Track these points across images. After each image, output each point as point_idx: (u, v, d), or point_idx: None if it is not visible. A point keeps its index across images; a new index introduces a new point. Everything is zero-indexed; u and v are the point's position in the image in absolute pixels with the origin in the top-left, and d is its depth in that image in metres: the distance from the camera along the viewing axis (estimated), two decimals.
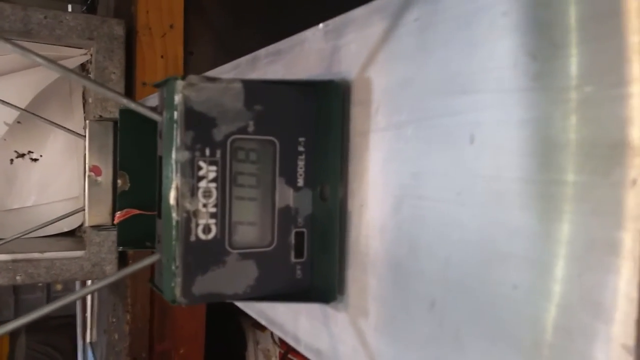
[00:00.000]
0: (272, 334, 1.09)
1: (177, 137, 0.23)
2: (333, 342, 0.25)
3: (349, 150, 0.24)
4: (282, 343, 1.07)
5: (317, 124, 0.26)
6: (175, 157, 0.23)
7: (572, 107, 0.15)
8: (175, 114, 0.23)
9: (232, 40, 0.86)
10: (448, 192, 0.18)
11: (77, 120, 0.91)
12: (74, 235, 0.90)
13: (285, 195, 0.26)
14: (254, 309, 0.33)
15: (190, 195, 0.23)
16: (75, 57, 0.84)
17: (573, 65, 0.14)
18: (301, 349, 0.27)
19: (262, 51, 0.32)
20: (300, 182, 0.26)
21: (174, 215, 0.23)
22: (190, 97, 0.23)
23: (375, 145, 0.22)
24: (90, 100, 0.78)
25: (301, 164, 0.26)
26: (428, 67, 0.19)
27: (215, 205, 0.24)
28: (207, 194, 0.24)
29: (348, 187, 0.24)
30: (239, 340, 1.16)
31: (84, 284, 1.28)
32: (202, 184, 0.23)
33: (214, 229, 0.24)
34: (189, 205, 0.23)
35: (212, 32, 0.84)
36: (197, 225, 0.23)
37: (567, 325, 0.14)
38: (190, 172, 0.23)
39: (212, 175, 0.24)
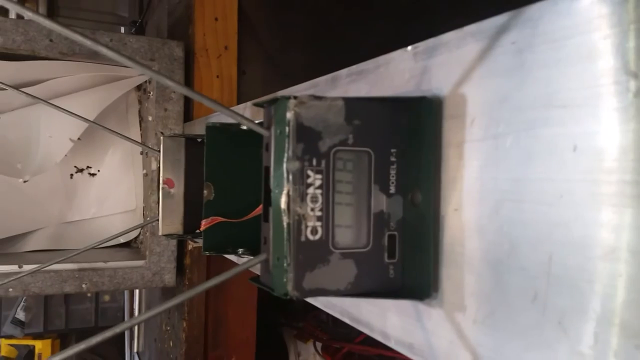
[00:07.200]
0: (314, 345, 1.11)
1: (289, 149, 0.26)
2: (427, 336, 0.27)
3: (441, 159, 0.27)
4: (325, 354, 1.08)
5: (408, 136, 0.28)
6: (286, 166, 0.26)
7: None
8: (287, 128, 0.26)
9: (281, 60, 0.90)
10: (550, 195, 0.20)
11: (133, 136, 0.96)
12: (130, 247, 0.94)
13: (379, 201, 0.28)
14: (337, 309, 0.35)
15: (300, 200, 0.26)
16: (133, 77, 0.89)
17: None
18: (391, 344, 0.29)
19: (344, 71, 0.35)
20: (392, 189, 0.29)
21: (284, 218, 0.26)
22: (300, 114, 0.26)
23: (471, 154, 0.25)
24: (150, 118, 0.82)
25: (393, 172, 0.28)
26: (527, 84, 0.21)
27: (321, 210, 0.26)
28: (314, 199, 0.26)
29: (440, 193, 0.27)
30: (281, 351, 1.18)
31: (132, 292, 1.33)
32: (310, 190, 0.26)
33: (319, 230, 0.26)
34: (299, 210, 0.26)
35: (263, 53, 0.88)
36: (306, 227, 0.26)
37: None
38: (300, 179, 0.26)
39: (318, 182, 0.26)
